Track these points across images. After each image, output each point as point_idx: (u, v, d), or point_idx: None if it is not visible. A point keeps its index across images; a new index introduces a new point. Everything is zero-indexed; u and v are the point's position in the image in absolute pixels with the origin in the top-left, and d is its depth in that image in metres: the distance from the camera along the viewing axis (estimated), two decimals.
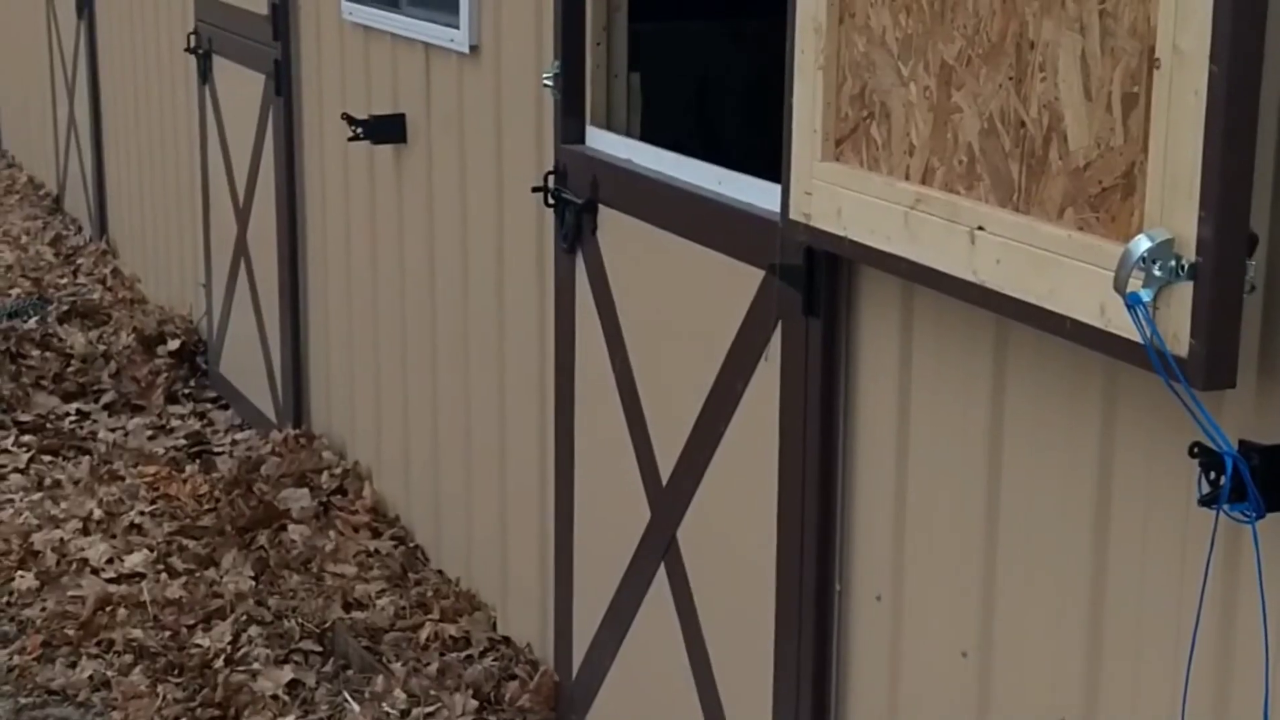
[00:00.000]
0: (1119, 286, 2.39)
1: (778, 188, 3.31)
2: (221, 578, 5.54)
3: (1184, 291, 2.34)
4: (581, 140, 4.33)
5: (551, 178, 4.39)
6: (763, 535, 3.64)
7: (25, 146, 12.26)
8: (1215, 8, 2.26)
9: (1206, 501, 2.41)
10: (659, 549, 4.10)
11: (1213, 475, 2.39)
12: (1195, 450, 2.42)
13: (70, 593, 5.47)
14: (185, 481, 6.30)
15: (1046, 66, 2.61)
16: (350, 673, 5.00)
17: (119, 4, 9.16)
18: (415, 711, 4.67)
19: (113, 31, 9.34)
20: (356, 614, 5.26)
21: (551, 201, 4.39)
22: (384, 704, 4.71)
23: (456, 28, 4.99)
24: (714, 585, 3.90)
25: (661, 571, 4.10)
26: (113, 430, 7.06)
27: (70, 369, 7.66)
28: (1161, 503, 2.64)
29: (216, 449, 6.86)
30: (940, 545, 3.17)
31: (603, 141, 4.29)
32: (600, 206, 4.23)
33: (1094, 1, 2.51)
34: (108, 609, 5.31)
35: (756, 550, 3.67)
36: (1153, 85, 2.39)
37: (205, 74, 7.35)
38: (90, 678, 4.99)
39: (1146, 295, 2.37)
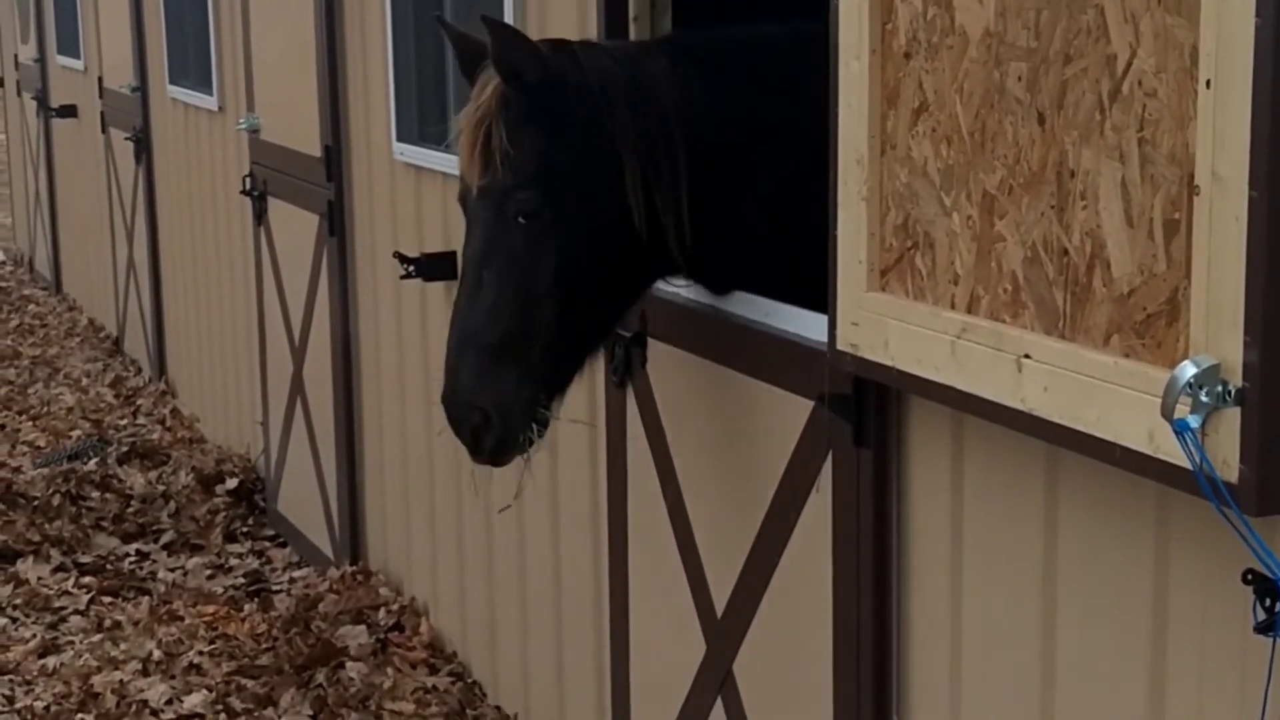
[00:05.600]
0: (1166, 413, 2.38)
1: (824, 318, 3.32)
2: (280, 717, 5.53)
3: (1232, 417, 2.33)
4: None
5: None
6: (819, 666, 3.61)
7: (85, 289, 12.44)
8: (1253, 134, 2.27)
9: (1262, 629, 2.38)
10: (715, 682, 4.07)
11: (1268, 602, 2.36)
12: (1249, 577, 2.39)
13: None
14: (244, 620, 6.31)
15: (1088, 194, 2.62)
16: None
17: (175, 149, 9.32)
18: None
19: (170, 176, 9.51)
20: None
21: None
22: None
23: None
24: (771, 719, 3.87)
25: (719, 705, 4.07)
26: (172, 570, 7.09)
27: (130, 509, 7.71)
28: (1217, 630, 2.61)
29: (275, 587, 6.88)
30: (996, 675, 3.14)
31: None
32: (649, 340, 4.25)
33: (1133, 130, 2.52)
34: None
35: (813, 682, 3.64)
36: (1193, 211, 2.40)
37: (260, 215, 7.46)
38: None
39: (1194, 421, 2.36)
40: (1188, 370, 2.36)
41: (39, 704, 5.77)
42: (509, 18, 4.84)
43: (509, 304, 3.49)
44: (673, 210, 3.57)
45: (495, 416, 3.50)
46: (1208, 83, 2.33)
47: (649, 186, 3.55)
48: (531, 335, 3.50)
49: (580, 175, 3.52)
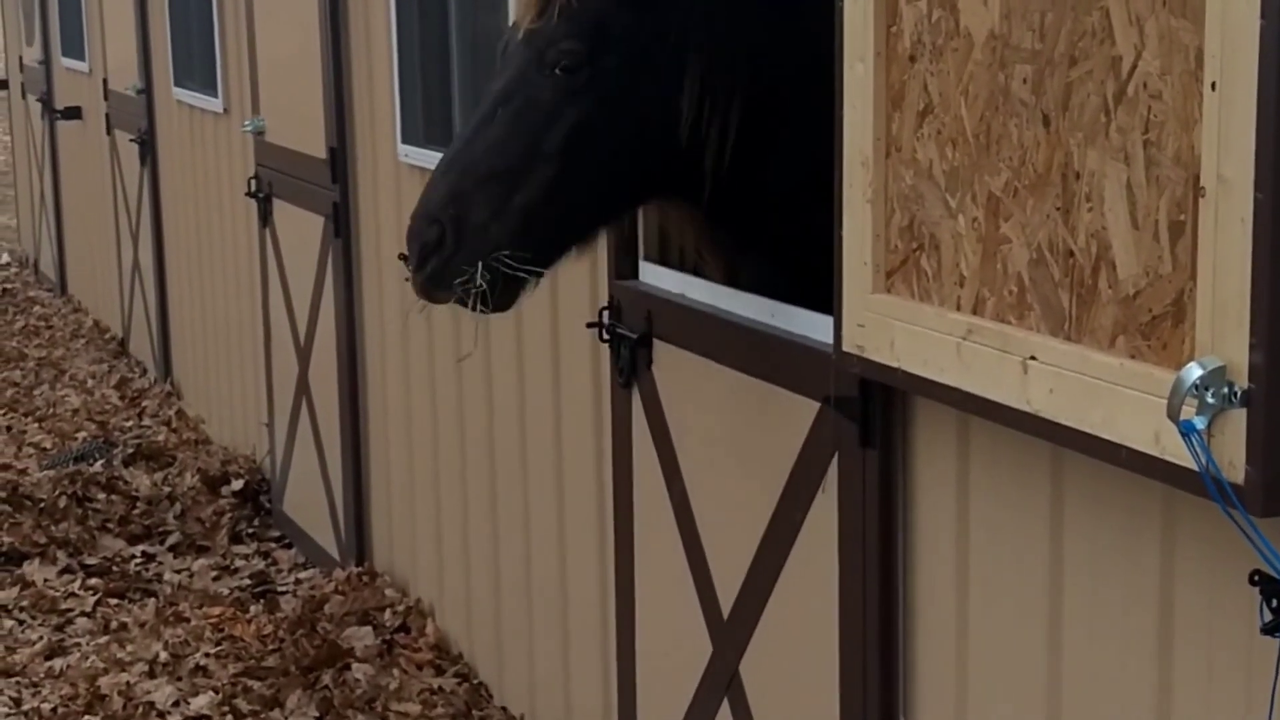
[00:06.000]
0: (1172, 414, 2.39)
1: (830, 319, 3.33)
2: (286, 718, 5.54)
3: (1238, 418, 2.34)
4: (635, 275, 4.37)
5: (606, 313, 4.43)
6: (825, 667, 3.62)
7: (91, 291, 12.45)
8: (1258, 136, 2.27)
9: (1269, 630, 2.39)
10: (722, 683, 4.08)
11: (1274, 603, 2.37)
12: (1255, 578, 2.40)
13: None
14: (250, 622, 6.32)
15: (1093, 196, 2.63)
16: None
17: (181, 151, 9.33)
18: None
19: (175, 178, 9.52)
20: None
21: (606, 337, 4.42)
22: None
23: None
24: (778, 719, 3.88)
25: (725, 706, 4.08)
26: (178, 572, 7.10)
27: (136, 511, 7.72)
28: (1224, 631, 2.61)
29: (280, 588, 6.89)
30: (1003, 674, 3.15)
31: (656, 276, 4.32)
32: (655, 341, 4.26)
33: (1138, 132, 2.53)
34: None
35: (819, 683, 3.65)
36: (1199, 213, 2.40)
37: (265, 217, 7.47)
38: None
39: (1200, 423, 2.36)
40: (1193, 372, 2.37)
41: (46, 706, 5.78)
42: (512, 2, 4.84)
43: (513, 145, 3.39)
44: (720, 120, 3.47)
45: (449, 237, 3.37)
46: (1213, 85, 2.34)
47: (706, 88, 3.45)
48: (522, 184, 3.39)
49: (632, 51, 3.43)
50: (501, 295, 3.45)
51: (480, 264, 3.37)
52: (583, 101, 3.41)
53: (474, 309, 3.43)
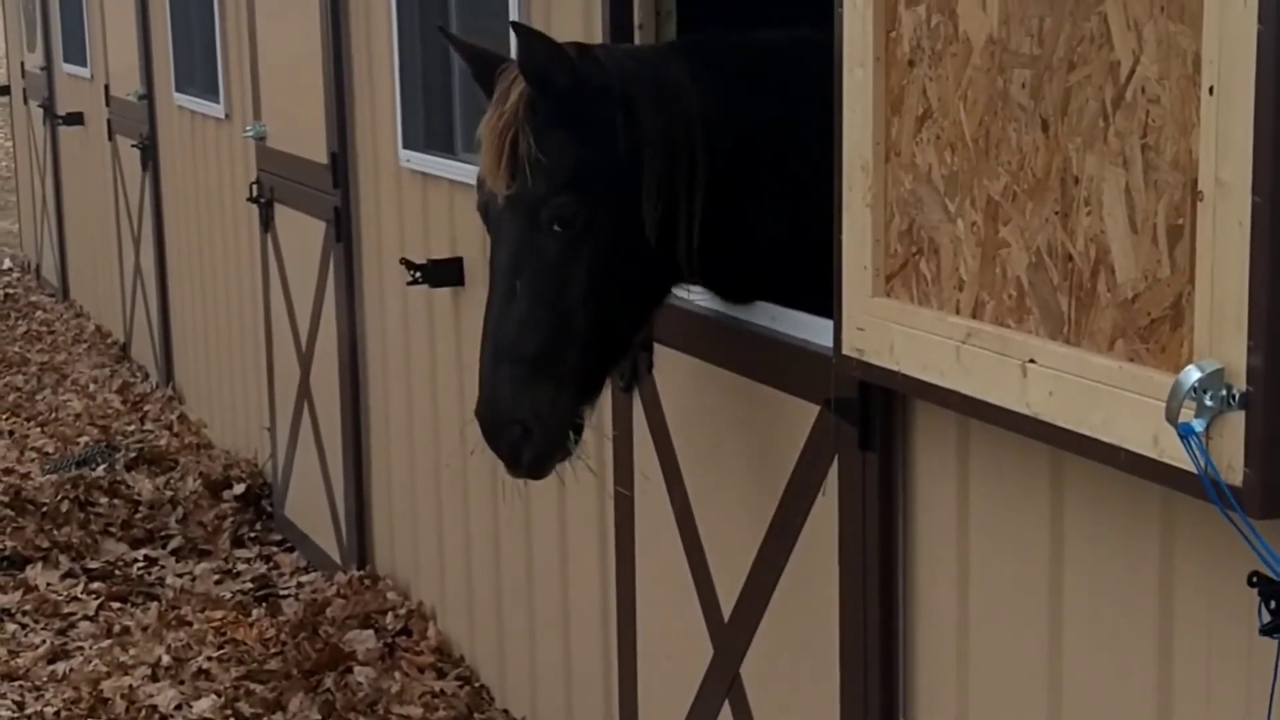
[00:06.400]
0: (1171, 417, 2.40)
1: (830, 323, 3.34)
2: None
3: (1236, 421, 2.35)
4: None
5: None
6: (826, 670, 3.63)
7: (92, 296, 12.47)
8: (1256, 140, 2.29)
9: (1268, 631, 2.40)
10: (723, 686, 4.09)
11: (1273, 604, 2.38)
12: (1254, 579, 2.41)
13: None
14: (252, 625, 6.33)
15: (1091, 200, 2.64)
16: None
17: (182, 156, 9.35)
18: None
19: (177, 183, 9.53)
20: None
21: None
22: None
23: None
24: None
25: (726, 708, 4.09)
26: (180, 575, 7.11)
27: (138, 515, 7.73)
28: (1223, 632, 2.63)
29: (282, 592, 6.90)
30: (1003, 676, 3.16)
31: None
32: (656, 345, 4.27)
33: (1136, 136, 2.54)
34: None
35: (820, 685, 3.66)
36: (1197, 217, 2.41)
37: (267, 222, 7.48)
38: None
39: (1199, 425, 2.38)
40: (1192, 374, 2.38)
41: (49, 710, 5.79)
42: (514, 8, 4.85)
43: (544, 314, 3.46)
44: (685, 217, 3.55)
45: (535, 428, 3.47)
46: (1211, 89, 2.35)
47: (667, 191, 3.52)
48: (565, 345, 3.48)
49: (609, 179, 3.49)
50: (578, 436, 3.58)
51: (571, 435, 3.52)
52: (588, 244, 3.47)
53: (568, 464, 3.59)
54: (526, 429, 3.47)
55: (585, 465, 3.69)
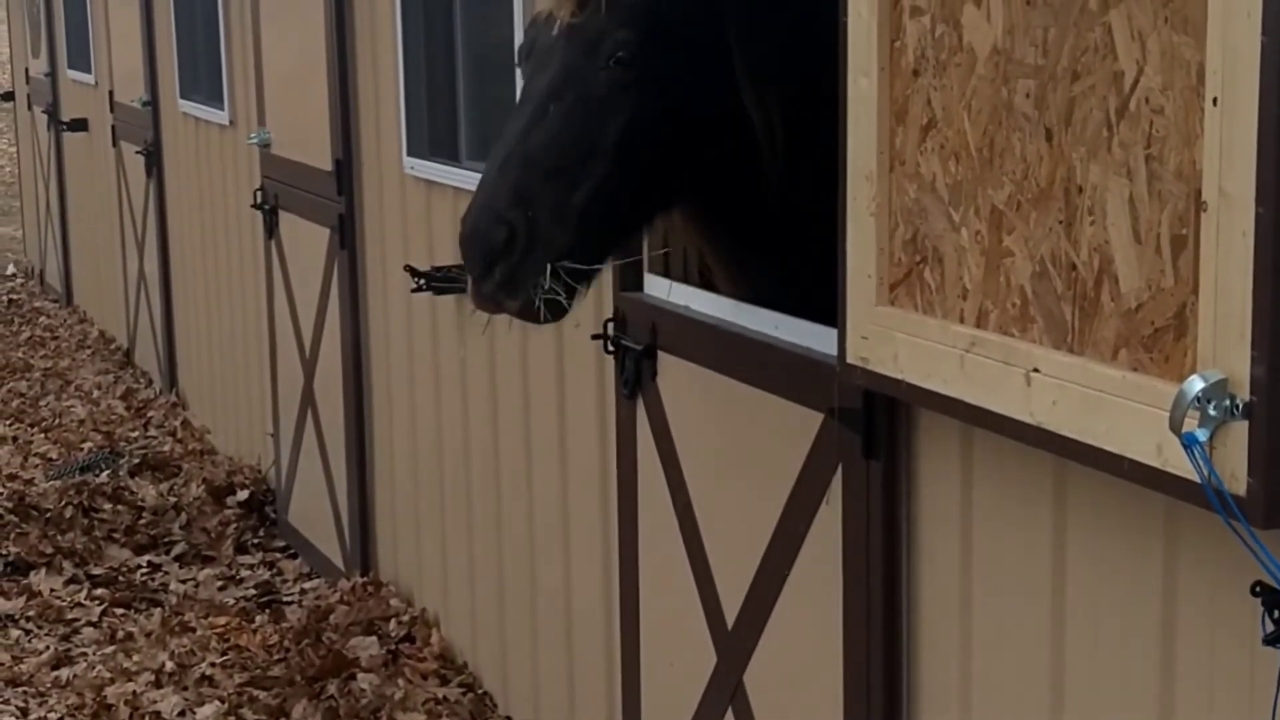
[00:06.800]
0: (1174, 427, 2.40)
1: (834, 332, 3.35)
2: None
3: (1239, 431, 2.35)
4: (639, 287, 4.39)
5: (611, 325, 4.45)
6: (829, 678, 3.63)
7: (96, 301, 12.48)
8: (1259, 151, 2.29)
9: (1271, 641, 2.40)
10: (726, 694, 4.09)
11: (1276, 614, 2.39)
12: (1257, 589, 2.41)
13: None
14: (255, 632, 6.34)
15: (1095, 210, 2.65)
16: None
17: (186, 163, 9.36)
18: None
19: (181, 189, 9.55)
20: None
21: (611, 348, 4.44)
22: None
23: None
24: None
25: (729, 716, 4.09)
26: (184, 581, 7.12)
27: (141, 521, 7.74)
28: (1227, 642, 2.63)
29: (286, 598, 6.91)
30: (1006, 686, 3.16)
31: (660, 288, 4.34)
32: (660, 352, 4.28)
33: (1140, 146, 2.55)
34: None
35: (824, 693, 3.66)
36: (1201, 227, 2.42)
37: (271, 229, 7.49)
38: None
39: (1202, 435, 2.38)
40: (1195, 384, 2.38)
41: (52, 715, 5.80)
42: (518, 17, 4.86)
43: (571, 141, 3.25)
44: (766, 105, 3.39)
45: (521, 239, 3.21)
46: (1214, 100, 2.36)
47: (757, 80, 3.38)
48: (581, 182, 3.26)
49: (687, 44, 3.35)
50: (567, 301, 3.32)
51: (549, 268, 3.23)
52: (638, 94, 3.30)
53: (540, 320, 3.31)
54: (513, 235, 3.21)
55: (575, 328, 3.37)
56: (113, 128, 11.03)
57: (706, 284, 4.19)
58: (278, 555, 7.48)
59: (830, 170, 3.34)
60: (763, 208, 3.68)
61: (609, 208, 3.36)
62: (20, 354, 11.63)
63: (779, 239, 3.79)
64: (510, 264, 3.22)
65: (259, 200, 7.55)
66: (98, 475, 8.34)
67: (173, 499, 8.01)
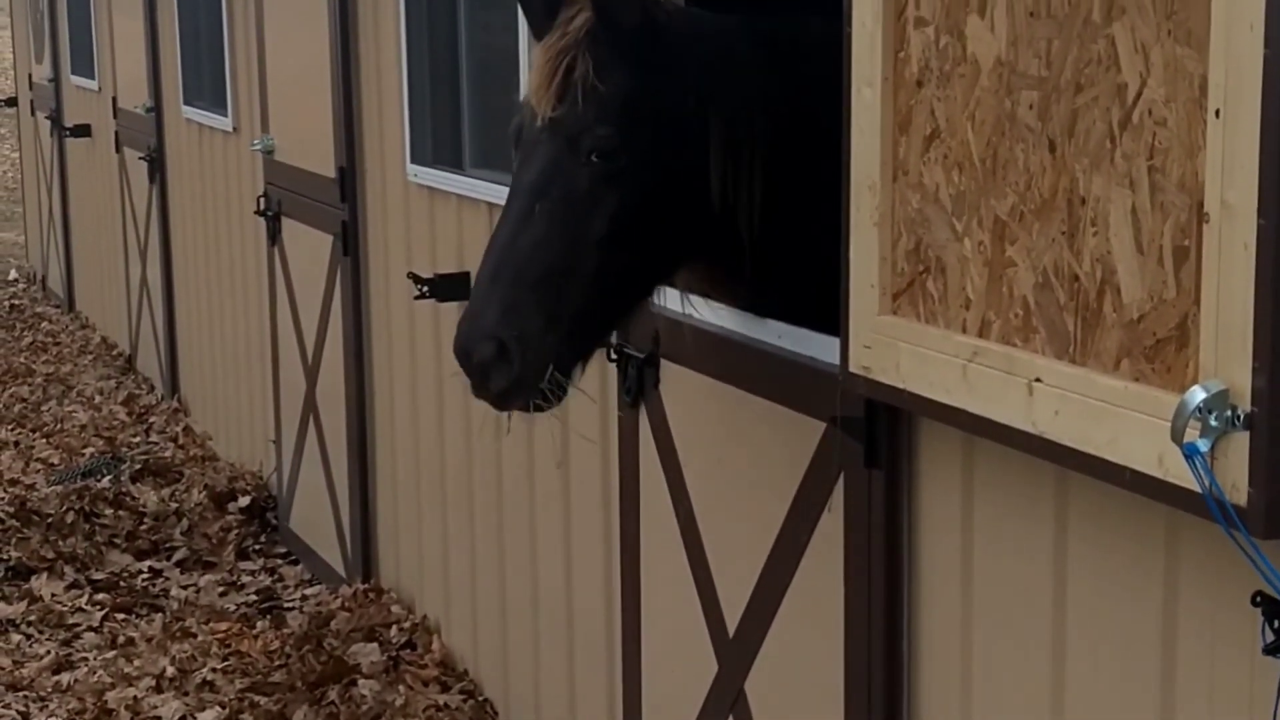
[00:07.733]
0: (1176, 437, 2.41)
1: (837, 341, 3.35)
2: None
3: (1241, 441, 2.36)
4: None
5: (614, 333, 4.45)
6: (831, 686, 3.64)
7: (98, 308, 12.49)
8: (1261, 163, 2.30)
9: (1271, 650, 2.41)
10: (727, 702, 4.10)
11: (1276, 624, 2.39)
12: (1258, 599, 2.42)
13: None
14: (256, 638, 6.34)
15: (1098, 221, 2.66)
16: None
17: (190, 169, 9.38)
18: None
19: (184, 196, 9.56)
20: None
21: (614, 356, 4.45)
22: None
23: None
24: None
25: None
26: (185, 587, 7.13)
27: (143, 527, 7.75)
28: (1227, 652, 2.64)
29: (287, 604, 6.92)
30: (1007, 696, 3.17)
31: (663, 297, 4.34)
32: (662, 361, 4.28)
33: (1143, 158, 2.56)
34: None
35: (825, 701, 3.67)
36: (1203, 239, 2.43)
37: (274, 235, 7.50)
38: None
39: (1204, 445, 2.39)
40: (1197, 395, 2.39)
41: None
42: (522, 25, 4.87)
43: (557, 242, 3.29)
44: (747, 183, 3.43)
45: (515, 352, 3.26)
46: (1217, 112, 2.37)
47: (732, 154, 3.40)
48: (572, 282, 3.30)
49: (662, 128, 3.37)
50: (567, 387, 3.40)
51: (548, 377, 3.31)
52: (623, 185, 3.33)
53: (544, 411, 3.40)
54: (504, 349, 3.26)
55: (581, 435, 3.49)
56: (116, 134, 11.05)
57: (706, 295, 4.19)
58: (279, 561, 7.49)
59: (814, 225, 3.42)
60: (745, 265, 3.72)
61: (601, 303, 3.42)
62: (22, 359, 11.64)
63: (766, 286, 3.81)
64: (505, 380, 3.31)
65: (262, 207, 7.56)
66: (99, 481, 8.35)
67: (174, 505, 8.02)
